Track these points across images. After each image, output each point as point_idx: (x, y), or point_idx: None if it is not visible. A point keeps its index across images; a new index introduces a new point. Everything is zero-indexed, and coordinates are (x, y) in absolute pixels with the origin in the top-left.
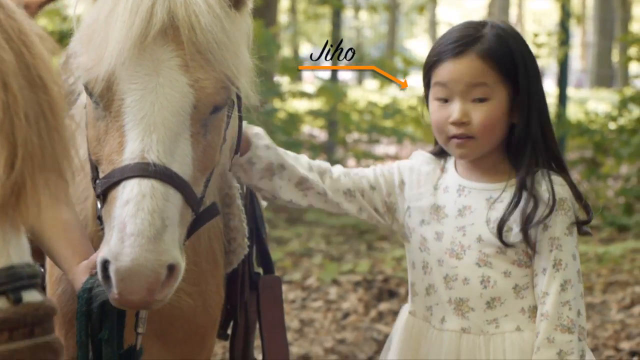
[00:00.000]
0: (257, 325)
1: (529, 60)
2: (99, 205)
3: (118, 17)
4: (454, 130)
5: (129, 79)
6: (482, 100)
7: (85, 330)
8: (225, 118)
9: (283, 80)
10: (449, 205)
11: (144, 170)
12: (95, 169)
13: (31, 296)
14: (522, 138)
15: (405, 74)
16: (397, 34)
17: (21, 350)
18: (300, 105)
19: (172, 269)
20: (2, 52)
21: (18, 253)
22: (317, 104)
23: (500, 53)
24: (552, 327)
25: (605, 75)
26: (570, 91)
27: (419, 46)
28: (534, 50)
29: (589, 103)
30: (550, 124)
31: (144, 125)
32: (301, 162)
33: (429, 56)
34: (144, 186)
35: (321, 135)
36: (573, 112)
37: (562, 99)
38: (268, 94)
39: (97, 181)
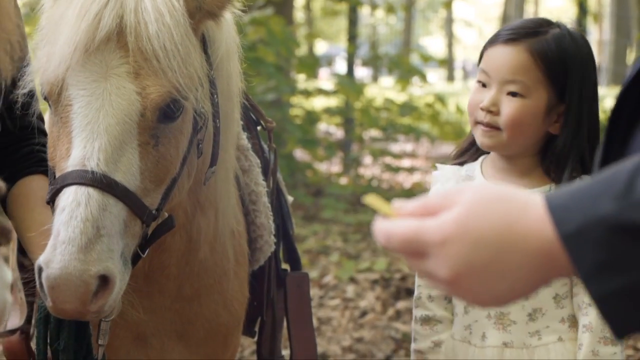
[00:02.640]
0: (285, 322)
1: (587, 74)
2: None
3: (67, 21)
4: (481, 116)
5: (77, 84)
6: (515, 94)
7: (43, 338)
8: (187, 130)
9: (300, 78)
10: None
11: (82, 177)
12: (52, 175)
13: None
14: (564, 152)
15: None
16: (413, 31)
17: None
18: (317, 103)
19: (105, 280)
20: None
21: None
22: (333, 102)
23: (553, 55)
24: (595, 339)
25: (622, 73)
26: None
27: (434, 43)
28: None
29: (605, 101)
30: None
31: (87, 132)
32: None
33: (490, 37)
34: (79, 194)
35: (337, 133)
36: None
37: None
38: (285, 91)
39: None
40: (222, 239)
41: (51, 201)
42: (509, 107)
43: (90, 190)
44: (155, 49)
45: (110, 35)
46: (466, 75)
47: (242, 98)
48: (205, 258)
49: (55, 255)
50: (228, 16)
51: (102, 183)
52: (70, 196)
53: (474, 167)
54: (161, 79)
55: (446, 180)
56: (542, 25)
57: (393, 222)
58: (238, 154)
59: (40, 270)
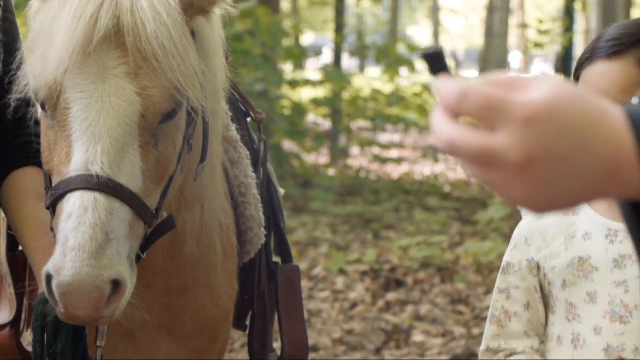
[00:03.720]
0: (276, 315)
1: None
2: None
3: (62, 22)
4: None
5: (75, 87)
6: None
7: (40, 342)
8: (183, 127)
9: (287, 69)
10: (597, 255)
11: (87, 182)
12: (48, 179)
13: None
14: None
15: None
16: (400, 21)
17: None
18: (304, 94)
19: (117, 284)
20: None
21: None
22: (320, 92)
23: None
24: None
25: None
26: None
27: (421, 33)
28: (537, 37)
29: None
30: None
31: (89, 136)
32: None
33: (583, 52)
34: (86, 199)
35: (325, 124)
36: None
37: None
38: (272, 82)
39: (48, 192)
40: (209, 232)
41: (52, 206)
42: None
43: (97, 195)
44: (154, 48)
45: (107, 36)
46: (458, 64)
47: (231, 89)
48: (192, 252)
49: (66, 262)
50: (217, 12)
51: (107, 187)
52: (76, 202)
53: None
54: (161, 79)
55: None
56: None
57: (473, 82)
58: (227, 146)
59: (50, 277)
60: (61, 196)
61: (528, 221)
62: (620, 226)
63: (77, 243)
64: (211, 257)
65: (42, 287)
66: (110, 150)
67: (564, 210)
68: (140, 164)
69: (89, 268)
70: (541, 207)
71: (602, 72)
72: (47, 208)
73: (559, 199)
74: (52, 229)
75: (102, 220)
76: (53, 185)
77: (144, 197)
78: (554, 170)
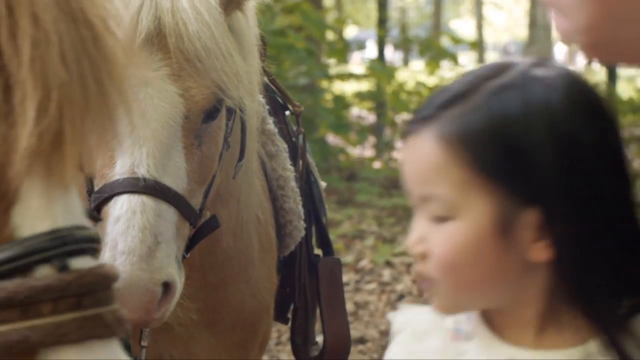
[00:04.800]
0: (318, 308)
1: (599, 150)
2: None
3: None
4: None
5: None
6: (441, 219)
7: None
8: (224, 126)
9: (330, 62)
10: None
11: (134, 185)
12: (90, 182)
13: (80, 262)
14: (580, 282)
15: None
16: (443, 14)
17: (65, 324)
18: (348, 88)
19: (168, 286)
20: None
21: (66, 214)
22: (364, 86)
23: (489, 131)
24: None
25: None
26: (620, 69)
27: (464, 26)
28: None
29: (639, 80)
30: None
31: (133, 139)
32: None
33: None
34: (134, 202)
35: (369, 117)
36: (623, 90)
37: (612, 76)
38: (316, 76)
39: (91, 195)
40: (245, 227)
41: (96, 210)
42: (438, 241)
43: (144, 197)
44: (196, 49)
45: (149, 38)
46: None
47: (269, 83)
48: (229, 247)
49: (117, 267)
50: (252, 5)
51: (154, 190)
52: (124, 205)
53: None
54: (204, 80)
55: (426, 334)
56: (489, 77)
57: None
58: (264, 139)
59: None
60: (107, 199)
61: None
62: (523, 353)
63: (126, 246)
64: (248, 252)
65: None
66: (155, 152)
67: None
68: (184, 165)
69: (139, 271)
70: (602, 35)
71: (407, 151)
72: (91, 211)
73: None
74: None
75: (150, 222)
76: (96, 188)
77: (189, 198)
78: (619, 27)
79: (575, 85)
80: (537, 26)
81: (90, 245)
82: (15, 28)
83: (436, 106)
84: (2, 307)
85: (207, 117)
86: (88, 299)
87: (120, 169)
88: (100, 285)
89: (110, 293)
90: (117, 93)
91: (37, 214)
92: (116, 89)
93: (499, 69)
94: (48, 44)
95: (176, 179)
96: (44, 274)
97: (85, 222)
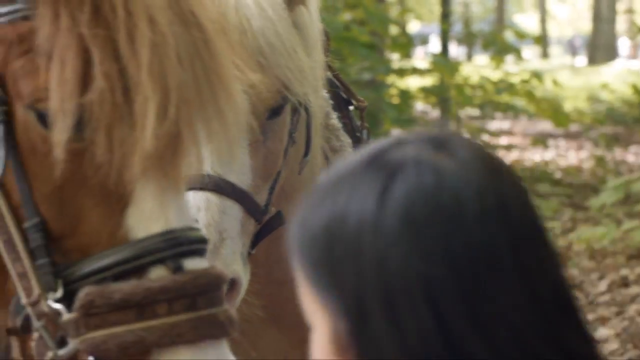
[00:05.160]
0: None
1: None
2: None
3: None
4: None
5: None
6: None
7: None
8: (289, 122)
9: (393, 57)
10: None
11: (199, 182)
12: None
13: (194, 263)
14: None
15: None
16: (506, 8)
17: (181, 324)
18: (411, 83)
19: (233, 283)
20: None
21: (179, 215)
22: (428, 81)
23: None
24: None
25: None
26: None
27: (527, 20)
28: None
29: None
30: None
31: None
32: None
33: None
34: (198, 199)
35: (433, 112)
36: None
37: None
38: (379, 71)
39: None
40: None
41: None
42: None
43: (209, 194)
44: (260, 45)
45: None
46: (574, 51)
47: (332, 78)
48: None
49: None
50: (315, 0)
51: (219, 186)
52: (189, 202)
53: None
54: (268, 76)
55: None
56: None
57: None
58: (328, 134)
59: None
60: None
61: None
62: None
63: None
64: None
65: None
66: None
67: None
68: (249, 161)
69: None
70: None
71: None
72: None
73: None
74: None
75: (215, 219)
76: None
77: (254, 194)
78: None
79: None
80: (601, 19)
81: (201, 246)
82: (134, 31)
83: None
84: (118, 308)
85: (271, 114)
86: (202, 300)
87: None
88: (213, 286)
89: (221, 293)
90: (225, 95)
91: (151, 216)
92: (225, 91)
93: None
94: (165, 46)
95: (241, 176)
96: (159, 275)
97: (194, 222)
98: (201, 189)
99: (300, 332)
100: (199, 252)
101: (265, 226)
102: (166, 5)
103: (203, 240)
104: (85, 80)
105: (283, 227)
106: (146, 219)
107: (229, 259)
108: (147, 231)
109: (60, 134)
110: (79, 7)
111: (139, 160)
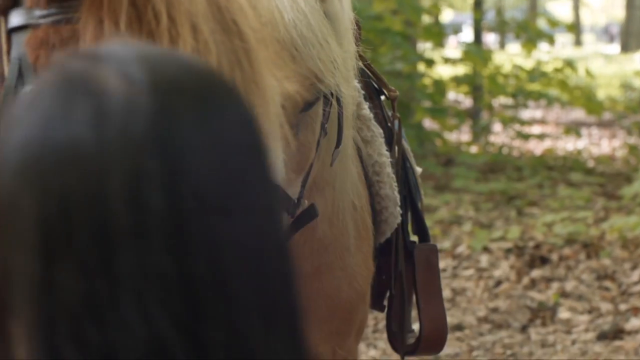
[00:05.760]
0: (414, 296)
1: None
2: None
3: None
4: None
5: None
6: None
7: None
8: (321, 113)
9: (426, 47)
10: None
11: None
12: None
13: None
14: None
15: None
16: None
17: None
18: (444, 72)
19: None
20: None
21: None
22: (461, 70)
23: None
24: None
25: None
26: None
27: (561, 8)
28: None
29: None
30: None
31: None
32: None
33: None
34: None
35: (466, 102)
36: None
37: None
38: (412, 61)
39: None
40: (341, 214)
41: None
42: None
43: None
44: (293, 37)
45: None
46: (612, 39)
47: (364, 67)
48: (325, 235)
49: None
50: None
51: None
52: None
53: None
54: (301, 68)
55: None
56: None
57: None
58: (360, 125)
59: None
60: None
61: None
62: None
63: None
64: (344, 239)
65: None
66: None
67: None
68: (281, 155)
69: None
70: None
71: None
72: None
73: None
74: None
75: None
76: None
77: (287, 188)
78: None
79: None
80: (635, 6)
81: None
82: (177, 38)
83: None
84: None
85: (304, 106)
86: None
87: None
88: None
89: None
90: (263, 104)
91: None
92: (263, 100)
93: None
94: (207, 54)
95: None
96: None
97: None
98: None
99: (330, 325)
100: None
101: (298, 219)
102: (209, 14)
103: None
104: None
105: (314, 222)
106: None
107: None
108: None
109: None
110: (122, 13)
111: None
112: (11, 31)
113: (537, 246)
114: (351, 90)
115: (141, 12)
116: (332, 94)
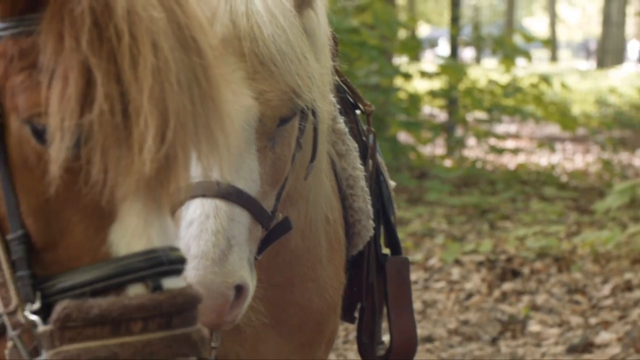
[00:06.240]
0: (385, 308)
1: None
2: None
3: None
4: None
5: None
6: None
7: None
8: (296, 128)
9: (402, 60)
10: None
11: (208, 189)
12: None
13: (172, 282)
14: None
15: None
16: (515, 12)
17: (154, 342)
18: (419, 86)
19: (240, 289)
20: (152, 10)
21: (161, 235)
22: (436, 84)
23: None
24: None
25: None
26: None
27: (537, 24)
28: None
29: None
30: None
31: None
32: None
33: None
34: (207, 206)
35: (441, 115)
36: None
37: None
38: (387, 74)
39: None
40: (314, 226)
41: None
42: None
43: (217, 201)
44: (271, 52)
45: (224, 41)
46: (589, 55)
47: (339, 82)
48: (297, 247)
49: (189, 270)
50: (322, 2)
51: (228, 193)
52: (197, 209)
53: None
54: (279, 83)
55: None
56: None
57: None
58: (335, 139)
59: None
60: (180, 203)
61: None
62: None
63: (199, 250)
64: (316, 251)
65: None
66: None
67: None
68: (257, 168)
69: (212, 275)
70: None
71: None
72: None
73: None
74: None
75: (223, 226)
76: None
77: (262, 201)
78: None
79: None
80: (611, 23)
81: (181, 266)
82: (137, 56)
83: None
84: (94, 323)
85: (281, 120)
86: (177, 319)
87: (193, 173)
88: (189, 305)
89: (195, 313)
90: (218, 119)
91: (134, 234)
92: (218, 115)
93: None
94: (167, 72)
95: (249, 182)
96: (138, 293)
97: (176, 242)
98: (210, 196)
99: (301, 336)
100: (178, 272)
101: (272, 232)
102: (169, 31)
103: (183, 261)
104: (86, 101)
105: (287, 235)
106: (129, 237)
107: (237, 266)
108: (129, 249)
109: (58, 152)
110: (83, 29)
111: (133, 182)
112: None
113: (509, 259)
114: (327, 105)
115: (102, 30)
116: (308, 109)
